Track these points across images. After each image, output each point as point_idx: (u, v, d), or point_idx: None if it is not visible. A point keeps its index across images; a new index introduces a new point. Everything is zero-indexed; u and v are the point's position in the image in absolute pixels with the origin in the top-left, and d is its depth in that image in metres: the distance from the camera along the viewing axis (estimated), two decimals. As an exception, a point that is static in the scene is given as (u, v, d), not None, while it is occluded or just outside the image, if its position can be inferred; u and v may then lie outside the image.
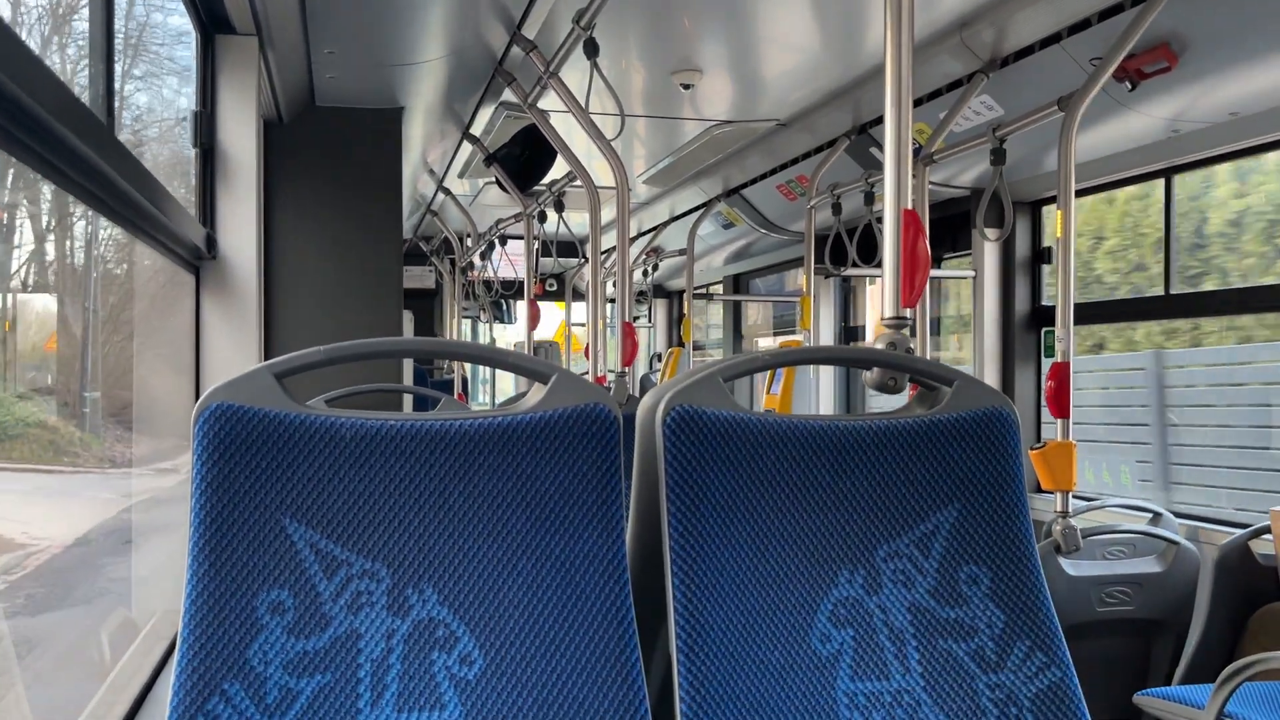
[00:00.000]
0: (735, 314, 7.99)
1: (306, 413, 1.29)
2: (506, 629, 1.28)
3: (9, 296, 1.96)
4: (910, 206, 1.72)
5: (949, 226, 4.79)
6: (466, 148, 5.02)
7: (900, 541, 1.40)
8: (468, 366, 9.29)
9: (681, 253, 6.87)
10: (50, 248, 2.20)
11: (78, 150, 1.44)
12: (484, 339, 9.90)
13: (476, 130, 4.69)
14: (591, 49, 3.05)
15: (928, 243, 1.75)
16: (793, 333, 6.91)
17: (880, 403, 5.29)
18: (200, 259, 2.87)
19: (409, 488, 1.30)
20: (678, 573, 1.30)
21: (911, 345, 1.67)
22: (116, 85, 1.90)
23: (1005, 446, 1.44)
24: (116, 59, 1.91)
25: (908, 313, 1.70)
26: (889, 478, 1.41)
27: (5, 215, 1.89)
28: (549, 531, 1.31)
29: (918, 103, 3.75)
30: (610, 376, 3.83)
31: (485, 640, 1.28)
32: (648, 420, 1.38)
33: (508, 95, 3.92)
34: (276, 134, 4.04)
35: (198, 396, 1.73)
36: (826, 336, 6.20)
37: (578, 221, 5.15)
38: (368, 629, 1.26)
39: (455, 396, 7.19)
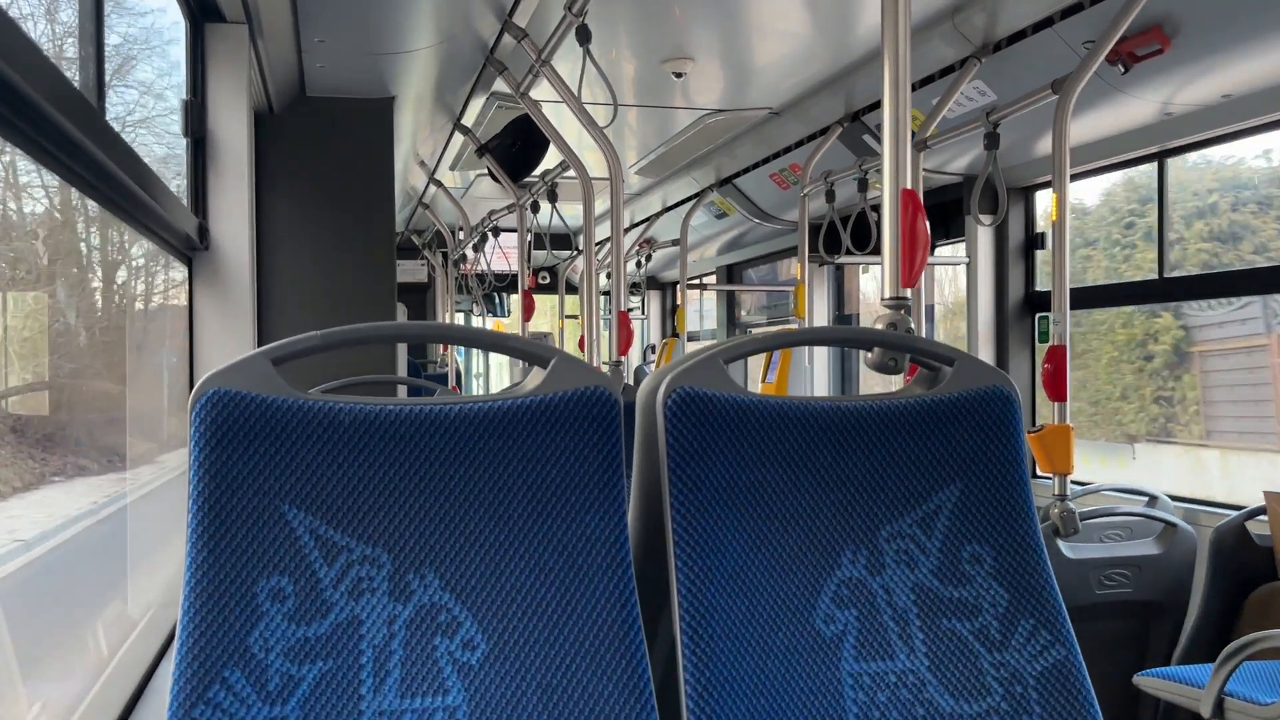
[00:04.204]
0: (729, 304, 7.99)
1: (304, 398, 1.27)
2: (509, 613, 1.27)
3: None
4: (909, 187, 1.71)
5: (942, 213, 4.79)
6: (458, 139, 4.99)
7: (902, 521, 1.40)
8: (461, 360, 9.26)
9: (675, 243, 6.86)
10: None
11: (68, 133, 1.42)
12: None
13: (468, 121, 4.66)
14: (584, 35, 3.03)
15: (926, 222, 1.74)
16: (788, 322, 6.91)
17: (873, 388, 5.28)
18: (193, 249, 2.85)
19: (409, 473, 1.29)
20: (680, 555, 1.29)
21: (911, 325, 1.67)
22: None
23: (1006, 425, 1.44)
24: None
25: (907, 293, 1.69)
26: (891, 458, 1.41)
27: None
28: (551, 515, 1.30)
29: (911, 88, 3.74)
30: (605, 367, 3.82)
31: (488, 625, 1.27)
32: (648, 403, 1.37)
33: (499, 85, 3.90)
34: (267, 124, 4.02)
35: (192, 386, 1.72)
36: (821, 325, 6.20)
37: (571, 213, 5.13)
38: (369, 615, 1.25)
39: (450, 389, 7.18)
